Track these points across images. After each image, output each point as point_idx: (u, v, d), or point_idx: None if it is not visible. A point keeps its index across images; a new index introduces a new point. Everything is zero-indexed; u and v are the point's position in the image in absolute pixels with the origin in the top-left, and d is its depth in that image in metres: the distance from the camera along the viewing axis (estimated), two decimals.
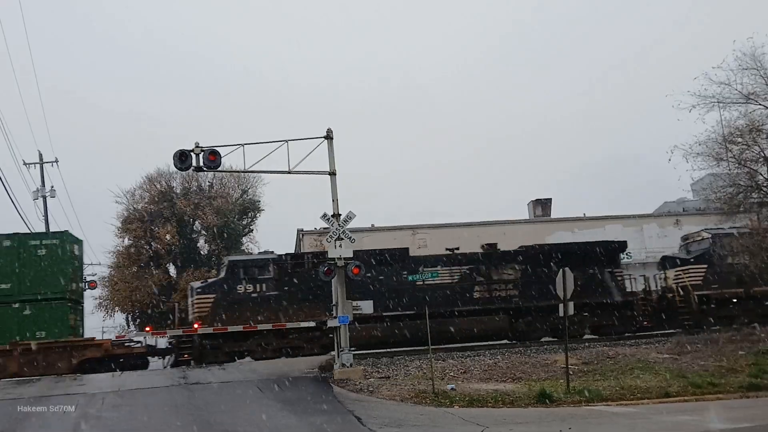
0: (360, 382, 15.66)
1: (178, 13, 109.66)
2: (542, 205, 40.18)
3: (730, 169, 21.29)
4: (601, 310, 22.13)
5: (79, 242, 23.57)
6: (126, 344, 21.11)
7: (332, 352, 18.25)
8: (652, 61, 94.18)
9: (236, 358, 20.70)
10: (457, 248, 22.86)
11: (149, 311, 31.72)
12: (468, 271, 22.03)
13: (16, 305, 20.12)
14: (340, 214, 17.20)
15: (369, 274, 20.09)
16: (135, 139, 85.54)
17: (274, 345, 20.71)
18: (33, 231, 27.54)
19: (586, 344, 20.51)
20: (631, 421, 11.30)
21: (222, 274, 21.42)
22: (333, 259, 16.97)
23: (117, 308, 34.49)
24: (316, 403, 13.63)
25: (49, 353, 19.35)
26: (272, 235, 44.14)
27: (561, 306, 14.73)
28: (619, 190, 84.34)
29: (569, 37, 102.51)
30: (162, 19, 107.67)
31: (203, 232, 36.68)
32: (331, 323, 17.29)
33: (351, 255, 17.22)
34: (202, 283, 21.83)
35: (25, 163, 32.71)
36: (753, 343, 18.10)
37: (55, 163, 33.84)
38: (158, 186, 37.28)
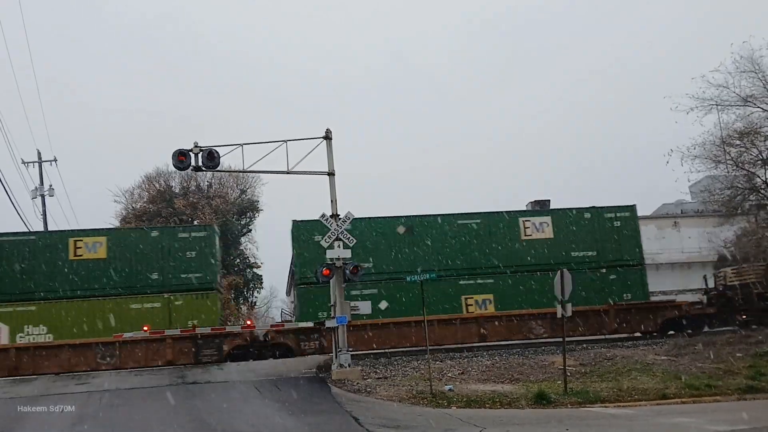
0: (358, 383, 15.67)
1: (179, 12, 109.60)
2: (541, 205, 40.20)
3: (728, 172, 21.36)
4: None
5: None
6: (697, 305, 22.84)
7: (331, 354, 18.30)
8: (652, 61, 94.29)
9: None
10: None
11: None
12: None
13: (604, 270, 22.70)
14: (339, 215, 17.23)
15: None
16: (134, 138, 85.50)
17: None
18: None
19: (584, 346, 20.55)
20: (629, 423, 11.31)
21: None
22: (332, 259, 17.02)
23: None
24: (314, 404, 13.63)
25: (637, 313, 21.72)
26: (271, 236, 44.23)
27: (559, 307, 14.72)
28: (618, 190, 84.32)
29: (569, 37, 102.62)
30: (161, 19, 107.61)
31: None
32: (329, 324, 17.30)
33: (349, 255, 17.25)
34: None
35: (23, 162, 32.74)
36: (750, 346, 18.13)
37: (53, 162, 33.88)
38: (157, 185, 37.35)
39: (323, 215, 17.26)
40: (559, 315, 14.75)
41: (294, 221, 22.33)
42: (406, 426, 11.33)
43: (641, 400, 13.23)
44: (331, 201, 17.45)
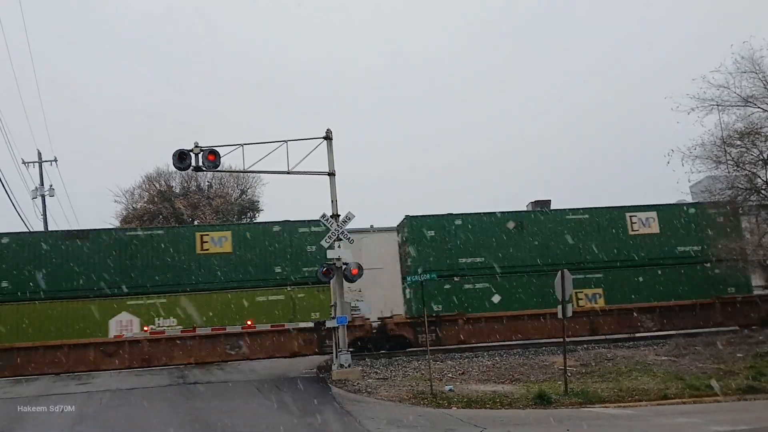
0: (358, 383, 15.68)
1: (179, 14, 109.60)
2: (541, 206, 40.25)
3: (729, 172, 21.30)
4: None
5: None
6: None
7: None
8: (652, 62, 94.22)
9: None
10: None
11: None
12: None
13: (708, 265, 23.22)
14: (339, 215, 17.23)
15: None
16: (134, 139, 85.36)
17: None
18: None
19: (585, 346, 20.54)
20: (629, 423, 11.30)
21: None
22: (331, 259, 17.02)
23: None
24: (314, 404, 13.64)
25: (741, 306, 22.84)
26: None
27: (559, 308, 14.68)
28: (618, 190, 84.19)
29: (570, 39, 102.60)
30: (162, 20, 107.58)
31: None
32: (330, 324, 17.31)
33: (350, 255, 17.24)
34: None
35: (24, 162, 32.77)
36: (751, 346, 18.13)
37: (54, 162, 33.91)
38: (157, 185, 37.37)
39: (323, 215, 17.26)
40: (559, 315, 14.70)
41: (407, 216, 22.62)
42: (407, 426, 11.33)
43: (642, 401, 13.22)
44: (332, 201, 17.45)
